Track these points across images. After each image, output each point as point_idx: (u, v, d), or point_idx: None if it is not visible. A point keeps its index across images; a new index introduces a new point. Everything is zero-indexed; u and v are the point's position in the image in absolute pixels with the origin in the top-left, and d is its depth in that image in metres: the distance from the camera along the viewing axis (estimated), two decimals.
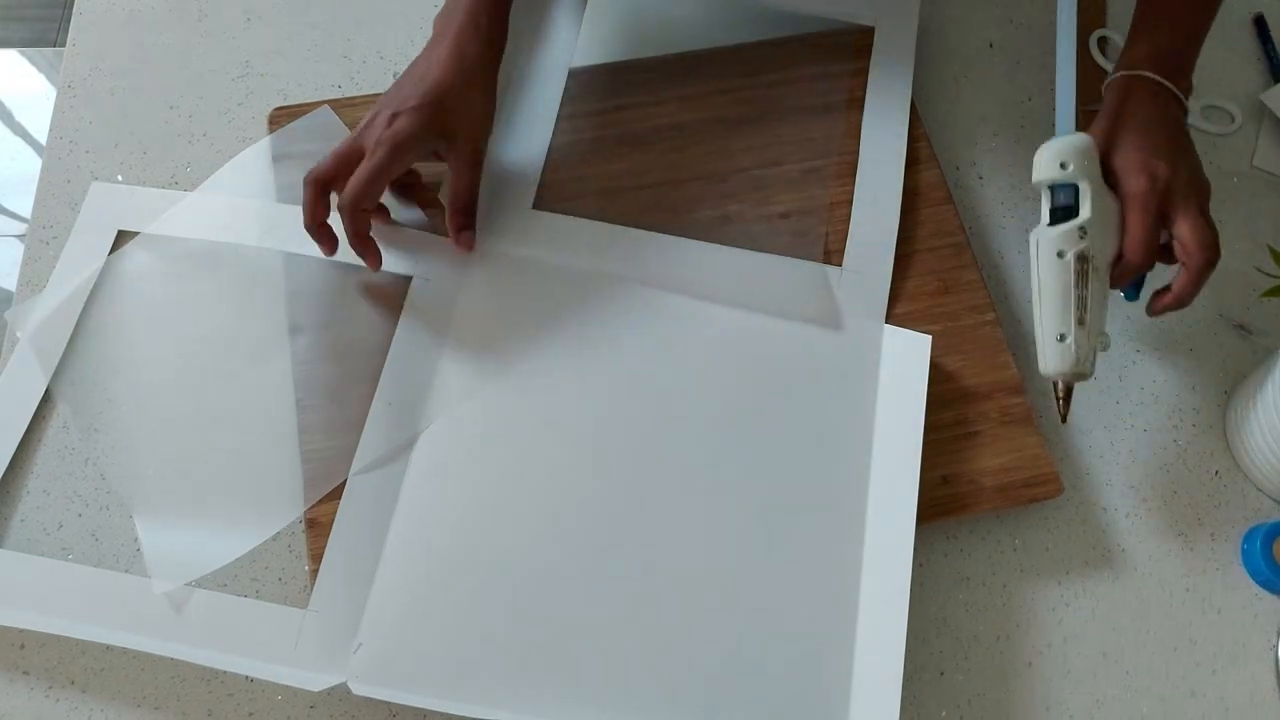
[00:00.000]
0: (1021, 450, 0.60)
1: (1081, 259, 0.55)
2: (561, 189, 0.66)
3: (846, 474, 0.58)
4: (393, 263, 0.62)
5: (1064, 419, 0.58)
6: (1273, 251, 0.63)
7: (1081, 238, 0.55)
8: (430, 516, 0.56)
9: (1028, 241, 0.57)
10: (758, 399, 0.60)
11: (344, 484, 0.57)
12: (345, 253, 0.60)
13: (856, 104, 0.71)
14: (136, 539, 0.57)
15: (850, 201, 0.67)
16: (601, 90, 0.70)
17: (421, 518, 0.56)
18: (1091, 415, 0.65)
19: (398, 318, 0.61)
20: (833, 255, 0.65)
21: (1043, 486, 0.60)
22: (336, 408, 0.59)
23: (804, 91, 0.71)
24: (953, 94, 0.75)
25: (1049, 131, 0.73)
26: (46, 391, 0.60)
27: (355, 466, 0.57)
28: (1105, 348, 0.56)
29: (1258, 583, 0.61)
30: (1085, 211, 0.55)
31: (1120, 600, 0.60)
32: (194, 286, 0.63)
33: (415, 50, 0.68)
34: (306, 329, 0.61)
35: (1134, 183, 0.56)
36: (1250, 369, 0.65)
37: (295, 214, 0.60)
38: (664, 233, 0.65)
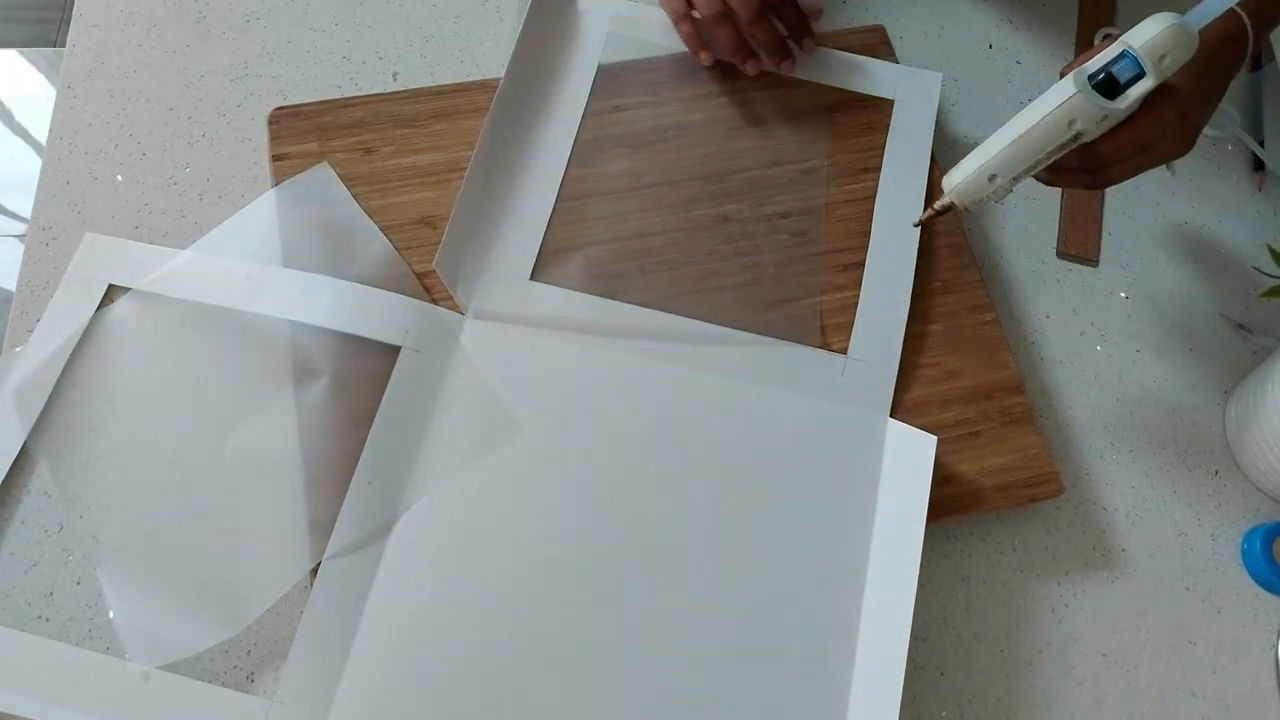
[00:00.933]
0: (1022, 450, 0.60)
1: (1077, 138, 0.51)
2: (563, 232, 0.65)
3: (842, 572, 0.55)
4: (381, 332, 0.59)
5: (916, 225, 0.61)
6: (1272, 251, 0.63)
7: (1099, 123, 0.50)
8: (406, 606, 0.53)
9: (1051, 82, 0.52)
10: (751, 491, 0.57)
11: (317, 568, 0.54)
12: (352, 324, 0.59)
13: (858, 104, 0.71)
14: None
15: (848, 202, 0.67)
16: (603, 91, 0.70)
17: (397, 608, 0.53)
18: (1091, 415, 0.65)
19: (383, 391, 0.58)
20: (834, 338, 0.62)
21: (1043, 486, 0.60)
22: (317, 486, 0.56)
23: (805, 92, 0.71)
24: (953, 94, 0.75)
25: None
26: (24, 447, 0.58)
27: (330, 550, 0.53)
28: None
29: (1258, 583, 0.61)
30: (1126, 106, 0.50)
31: (1120, 600, 0.60)
32: (185, 349, 0.60)
33: (414, 51, 0.68)
34: (306, 403, 0.58)
35: (1165, 134, 0.52)
36: (1250, 369, 0.66)
37: (300, 280, 0.59)
38: (664, 252, 0.65)
